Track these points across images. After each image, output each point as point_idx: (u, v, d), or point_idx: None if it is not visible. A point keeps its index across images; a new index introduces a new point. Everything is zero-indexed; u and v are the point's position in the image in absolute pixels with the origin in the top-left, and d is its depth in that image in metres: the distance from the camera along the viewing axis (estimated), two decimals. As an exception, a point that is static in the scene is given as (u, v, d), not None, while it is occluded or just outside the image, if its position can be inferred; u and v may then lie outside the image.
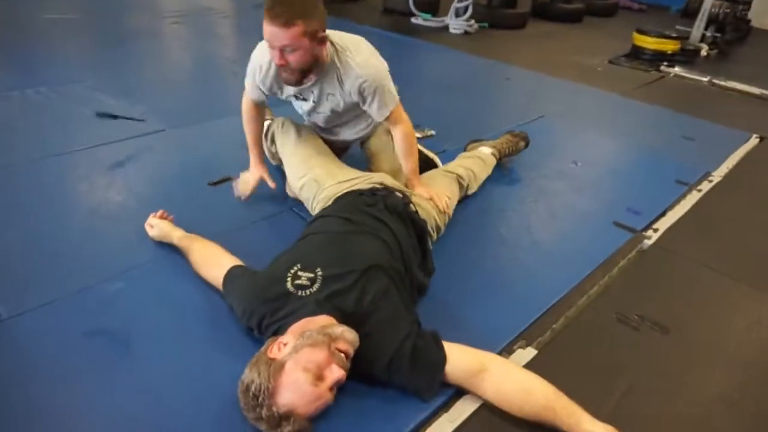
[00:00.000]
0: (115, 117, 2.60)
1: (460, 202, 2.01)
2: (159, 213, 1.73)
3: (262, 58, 1.68)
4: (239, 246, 1.58)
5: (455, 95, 3.47)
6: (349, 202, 1.59)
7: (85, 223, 1.82)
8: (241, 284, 1.37)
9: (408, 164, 1.84)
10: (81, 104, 2.75)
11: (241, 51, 3.95)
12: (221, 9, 5.47)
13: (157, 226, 1.69)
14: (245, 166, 1.98)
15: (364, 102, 1.70)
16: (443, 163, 2.19)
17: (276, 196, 2.01)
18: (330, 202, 1.66)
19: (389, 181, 1.76)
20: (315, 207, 1.75)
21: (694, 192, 2.38)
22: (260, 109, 1.88)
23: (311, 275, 1.28)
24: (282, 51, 1.48)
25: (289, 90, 1.74)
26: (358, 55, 1.64)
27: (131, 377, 1.24)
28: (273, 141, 2.01)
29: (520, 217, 2.08)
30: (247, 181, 1.94)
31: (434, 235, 1.74)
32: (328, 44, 1.60)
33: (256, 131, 1.93)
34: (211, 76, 3.50)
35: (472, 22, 5.34)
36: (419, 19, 5.44)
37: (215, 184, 2.10)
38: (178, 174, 2.19)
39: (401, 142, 1.81)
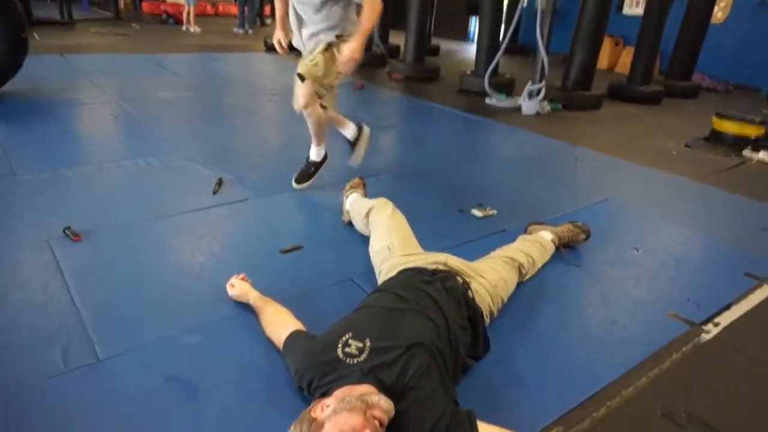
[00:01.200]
0: (214, 192, 2.92)
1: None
2: (240, 275, 1.96)
3: None
4: (304, 310, 1.75)
5: (521, 175, 3.58)
6: (408, 277, 1.72)
7: (174, 278, 2.07)
8: (298, 347, 1.52)
9: (364, 25, 2.46)
10: (180, 173, 3.14)
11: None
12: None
13: (238, 286, 1.91)
14: (315, 237, 2.23)
15: None
16: (501, 244, 2.28)
17: (340, 272, 2.19)
18: (393, 272, 1.81)
19: (453, 262, 1.88)
20: (381, 273, 1.94)
21: (765, 287, 2.31)
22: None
23: (360, 345, 1.40)
24: None
25: None
26: None
27: (194, 422, 1.41)
28: (368, 215, 2.30)
29: (573, 301, 2.11)
30: (278, 38, 2.77)
31: (487, 320, 1.81)
32: None
33: (282, 8, 2.76)
34: (292, 150, 3.84)
35: (546, 103, 5.50)
36: (493, 100, 5.68)
37: (286, 252, 2.31)
38: (255, 240, 2.44)
39: (367, 7, 2.43)
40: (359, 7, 2.51)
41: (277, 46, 2.79)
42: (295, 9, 2.58)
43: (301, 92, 2.61)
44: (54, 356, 1.59)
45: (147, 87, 5.31)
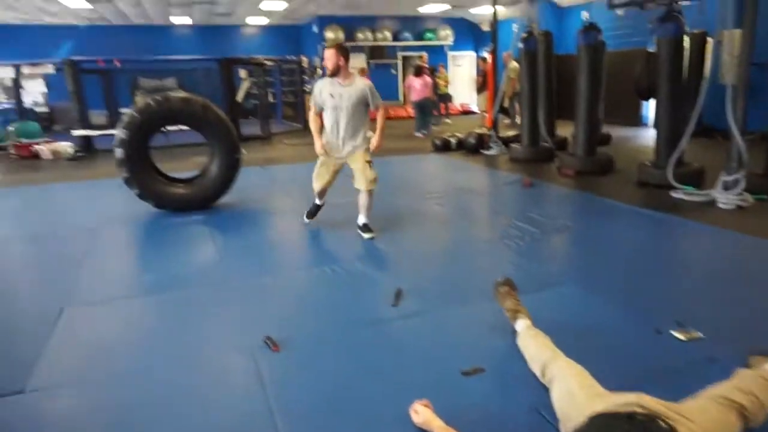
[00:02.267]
0: (394, 305, 3.05)
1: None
2: (423, 401, 1.95)
3: (324, 79, 4.02)
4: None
5: (727, 286, 3.14)
6: (603, 424, 1.56)
7: (359, 392, 2.14)
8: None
9: (380, 125, 4.13)
10: (362, 281, 3.34)
11: (494, 230, 4.33)
12: (476, 188, 6.14)
13: (422, 414, 1.90)
14: (496, 357, 2.16)
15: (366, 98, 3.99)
16: (710, 376, 1.97)
17: (525, 400, 2.07)
18: (581, 419, 1.65)
19: (649, 402, 1.67)
20: (563, 420, 1.78)
21: None
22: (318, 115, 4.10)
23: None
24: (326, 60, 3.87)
25: (326, 92, 3.97)
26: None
27: None
28: (543, 373, 2.10)
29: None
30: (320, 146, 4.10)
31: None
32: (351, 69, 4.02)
33: (317, 125, 4.09)
34: (464, 258, 3.87)
35: (746, 194, 4.87)
36: (680, 193, 5.20)
37: (468, 374, 2.26)
38: (435, 359, 2.43)
39: (380, 119, 4.12)
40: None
41: (319, 152, 4.11)
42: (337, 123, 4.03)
43: (369, 178, 4.13)
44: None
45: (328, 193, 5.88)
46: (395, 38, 16.25)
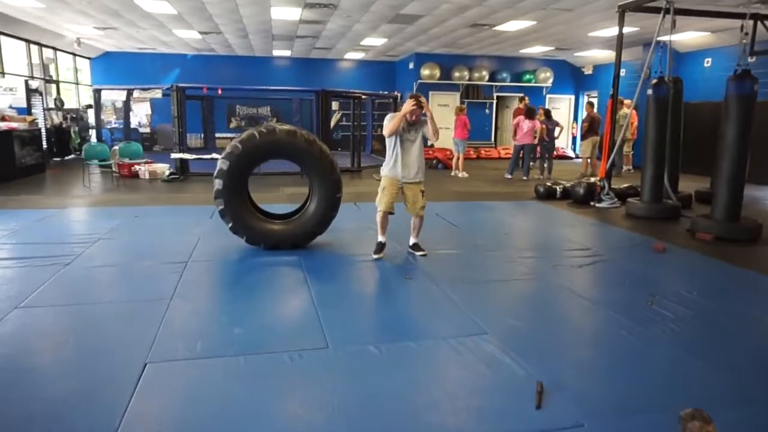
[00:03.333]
0: (537, 407, 2.42)
1: None
2: None
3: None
4: None
5: None
6: None
7: None
8: None
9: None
10: (491, 368, 2.72)
11: (636, 311, 3.57)
12: (596, 250, 5.37)
13: None
14: None
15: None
16: None
17: None
18: None
19: None
20: None
21: None
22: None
23: None
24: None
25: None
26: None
27: None
28: None
29: None
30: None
31: None
32: None
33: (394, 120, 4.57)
34: (611, 350, 3.16)
35: None
36: None
37: None
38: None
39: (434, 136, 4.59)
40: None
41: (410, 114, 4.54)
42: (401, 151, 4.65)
43: (420, 206, 4.73)
44: None
45: (430, 239, 5.35)
46: (492, 78, 15.78)
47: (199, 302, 3.61)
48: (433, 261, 4.71)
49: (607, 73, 15.29)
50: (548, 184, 8.53)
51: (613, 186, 8.00)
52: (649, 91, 6.93)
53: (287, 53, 15.79)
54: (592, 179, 8.41)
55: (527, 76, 15.99)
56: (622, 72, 15.58)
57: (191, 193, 8.46)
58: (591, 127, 10.55)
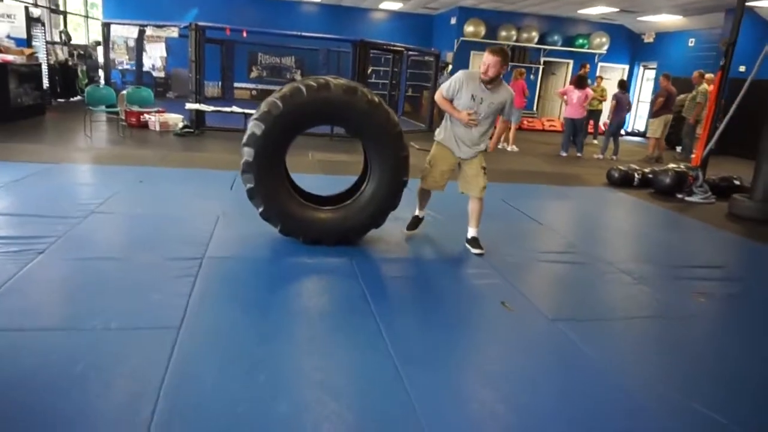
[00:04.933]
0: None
1: None
2: None
3: (473, 72, 3.65)
4: None
5: None
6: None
7: None
8: None
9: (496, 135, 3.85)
10: None
11: None
12: (718, 263, 4.19)
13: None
14: None
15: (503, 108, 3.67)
16: None
17: None
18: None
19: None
20: None
21: None
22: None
23: None
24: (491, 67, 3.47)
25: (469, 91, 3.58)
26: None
27: None
28: None
29: None
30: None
31: None
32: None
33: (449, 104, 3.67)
34: None
35: None
36: None
37: None
38: None
39: (501, 125, 3.87)
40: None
41: (467, 118, 3.59)
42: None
43: (482, 185, 3.75)
44: None
45: (506, 236, 4.19)
46: (541, 40, 14.21)
47: (219, 341, 2.39)
48: (524, 274, 3.57)
49: (672, 42, 13.70)
50: (622, 168, 7.26)
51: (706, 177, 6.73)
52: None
53: (318, -2, 14.27)
54: (676, 166, 7.12)
55: (580, 41, 14.40)
56: (691, 42, 14.14)
57: (207, 152, 7.29)
58: (666, 104, 9.15)
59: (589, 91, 9.44)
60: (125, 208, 4.25)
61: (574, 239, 4.52)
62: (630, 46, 15.01)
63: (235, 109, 8.66)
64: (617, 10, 12.29)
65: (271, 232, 3.70)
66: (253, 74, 15.39)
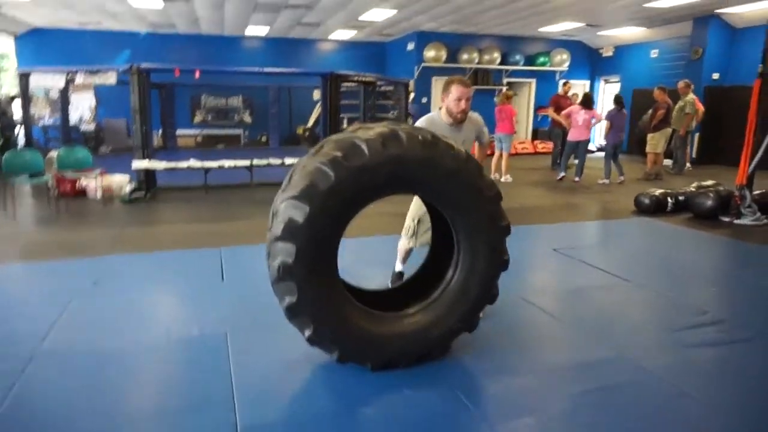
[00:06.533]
0: None
1: None
2: None
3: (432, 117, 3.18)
4: None
5: None
6: None
7: None
8: None
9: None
10: None
11: None
12: None
13: None
14: None
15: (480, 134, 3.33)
16: None
17: None
18: None
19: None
20: None
21: None
22: None
23: None
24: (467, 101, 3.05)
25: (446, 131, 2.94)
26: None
27: None
28: None
29: None
30: None
31: None
32: None
33: None
34: None
35: None
36: None
37: None
38: None
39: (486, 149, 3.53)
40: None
41: None
42: None
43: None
44: None
45: (630, 310, 3.16)
46: (503, 61, 13.65)
47: None
48: (695, 377, 2.51)
49: (632, 54, 13.48)
50: (654, 192, 6.47)
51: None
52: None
53: (263, 31, 13.09)
54: (712, 185, 6.40)
55: (541, 59, 13.96)
56: (654, 53, 13.97)
57: (167, 223, 5.90)
58: (666, 117, 8.58)
59: (595, 113, 8.67)
60: (85, 340, 2.84)
61: (693, 300, 3.52)
62: (589, 61, 14.75)
63: (192, 163, 7.31)
64: (583, 24, 11.88)
65: (317, 355, 2.48)
66: (197, 118, 13.93)
